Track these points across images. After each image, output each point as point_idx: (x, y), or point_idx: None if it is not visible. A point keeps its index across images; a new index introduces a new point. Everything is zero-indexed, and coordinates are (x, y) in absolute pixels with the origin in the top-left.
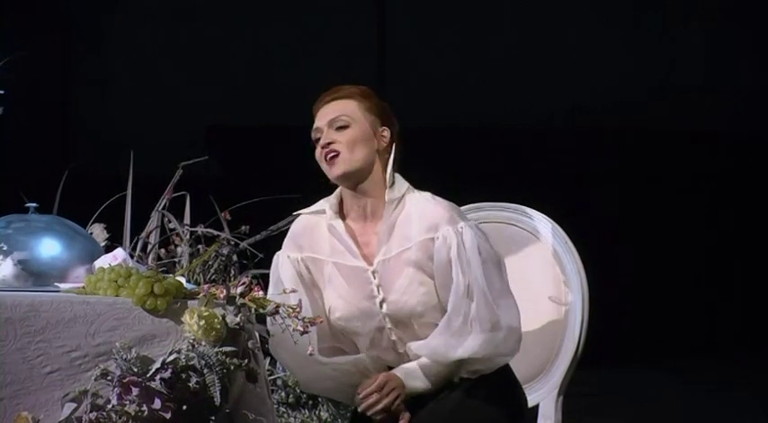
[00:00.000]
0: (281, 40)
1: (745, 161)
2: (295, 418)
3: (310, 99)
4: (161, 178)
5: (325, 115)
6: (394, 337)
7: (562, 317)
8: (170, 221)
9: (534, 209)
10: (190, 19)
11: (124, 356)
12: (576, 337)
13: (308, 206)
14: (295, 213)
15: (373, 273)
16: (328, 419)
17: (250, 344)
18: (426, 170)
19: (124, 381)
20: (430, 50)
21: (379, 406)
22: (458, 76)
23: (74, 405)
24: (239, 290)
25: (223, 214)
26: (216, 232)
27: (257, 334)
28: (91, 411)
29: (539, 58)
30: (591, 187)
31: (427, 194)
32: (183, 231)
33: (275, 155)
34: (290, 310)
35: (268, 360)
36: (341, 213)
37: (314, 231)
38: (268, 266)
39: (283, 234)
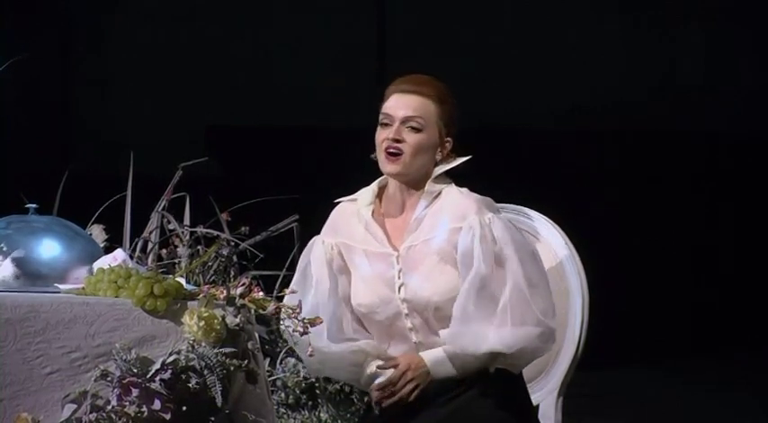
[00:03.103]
0: (281, 40)
1: (745, 161)
2: (295, 419)
3: (310, 99)
4: (161, 178)
5: (400, 107)
6: (410, 325)
7: (562, 317)
8: (170, 222)
9: (534, 209)
10: (190, 19)
11: (124, 357)
12: (576, 337)
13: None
14: (336, 200)
15: (397, 258)
16: (328, 420)
17: (250, 345)
18: None
19: (124, 382)
20: (430, 50)
21: (394, 399)
22: (458, 76)
23: (74, 406)
24: (239, 291)
25: (223, 215)
26: (216, 233)
27: (257, 335)
28: (91, 412)
29: (539, 58)
30: (591, 187)
31: (464, 189)
32: (183, 232)
33: (275, 155)
34: (290, 311)
35: (268, 361)
36: (380, 201)
37: (350, 218)
38: (268, 267)
39: (283, 235)
